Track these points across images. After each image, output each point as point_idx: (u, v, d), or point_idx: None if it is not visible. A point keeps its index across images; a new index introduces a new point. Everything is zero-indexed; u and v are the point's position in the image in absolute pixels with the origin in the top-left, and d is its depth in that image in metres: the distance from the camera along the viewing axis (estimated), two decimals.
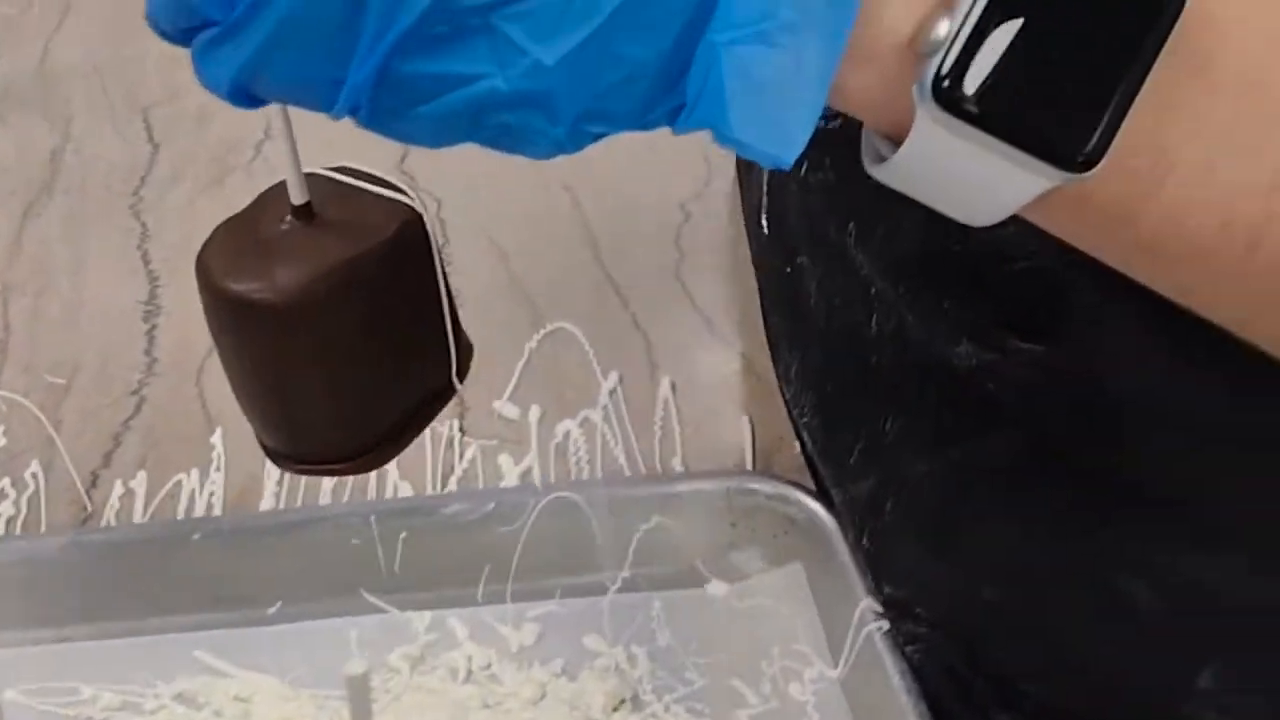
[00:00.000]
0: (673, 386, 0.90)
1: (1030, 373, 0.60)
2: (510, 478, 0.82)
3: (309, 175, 0.48)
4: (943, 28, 0.35)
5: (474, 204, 1.02)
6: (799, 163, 0.39)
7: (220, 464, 0.82)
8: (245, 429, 0.85)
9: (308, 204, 0.47)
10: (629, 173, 1.03)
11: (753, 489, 0.75)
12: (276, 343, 0.49)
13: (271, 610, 0.74)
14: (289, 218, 0.48)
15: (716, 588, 0.75)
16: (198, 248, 0.50)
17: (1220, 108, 0.36)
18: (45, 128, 1.11)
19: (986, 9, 0.35)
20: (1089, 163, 0.36)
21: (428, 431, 0.85)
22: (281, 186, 0.48)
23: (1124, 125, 0.36)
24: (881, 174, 0.38)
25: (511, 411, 0.87)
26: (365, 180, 0.50)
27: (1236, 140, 0.37)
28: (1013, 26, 0.35)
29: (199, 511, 0.79)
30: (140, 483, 0.80)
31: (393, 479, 0.82)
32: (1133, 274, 0.41)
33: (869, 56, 0.36)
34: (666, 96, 0.36)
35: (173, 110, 1.12)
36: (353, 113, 0.36)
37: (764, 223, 0.78)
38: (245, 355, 0.50)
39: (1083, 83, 0.36)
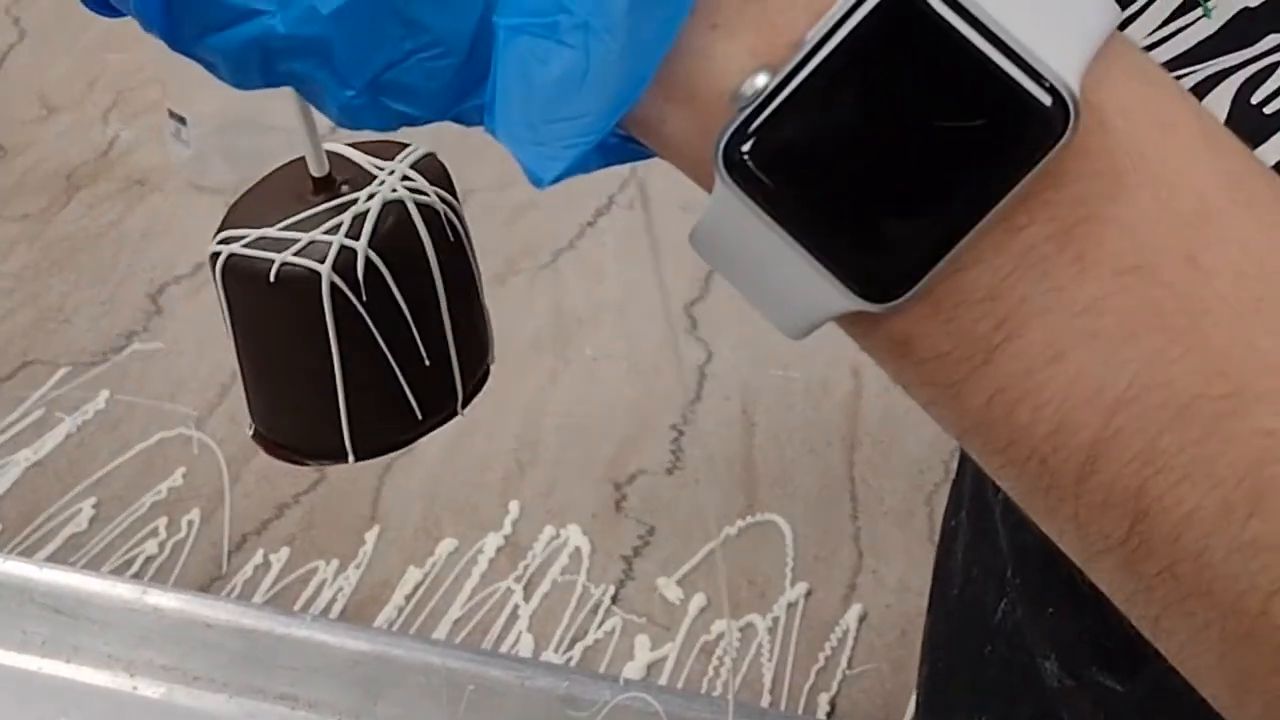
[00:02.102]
0: (861, 618, 0.81)
1: (1098, 712, 0.50)
2: (637, 663, 0.76)
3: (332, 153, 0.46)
4: (760, 80, 0.28)
5: (746, 362, 0.96)
6: None
7: (362, 562, 0.80)
8: (400, 535, 0.84)
9: (328, 176, 0.45)
10: None
11: None
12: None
13: None
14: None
15: None
16: None
17: (1087, 287, 0.28)
18: None
19: (814, 73, 0.28)
20: (886, 295, 0.28)
21: (576, 588, 0.81)
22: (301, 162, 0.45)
23: (952, 270, 0.28)
24: (693, 243, 0.31)
25: (673, 594, 0.81)
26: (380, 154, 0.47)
27: (1096, 331, 0.28)
28: (839, 101, 0.28)
29: (321, 602, 0.78)
30: (280, 559, 0.80)
31: (519, 627, 0.78)
32: (974, 457, 0.31)
33: (691, 96, 0.29)
34: (478, 88, 0.31)
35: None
36: (152, 29, 0.33)
37: (955, 465, 0.70)
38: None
39: (900, 195, 0.28)
